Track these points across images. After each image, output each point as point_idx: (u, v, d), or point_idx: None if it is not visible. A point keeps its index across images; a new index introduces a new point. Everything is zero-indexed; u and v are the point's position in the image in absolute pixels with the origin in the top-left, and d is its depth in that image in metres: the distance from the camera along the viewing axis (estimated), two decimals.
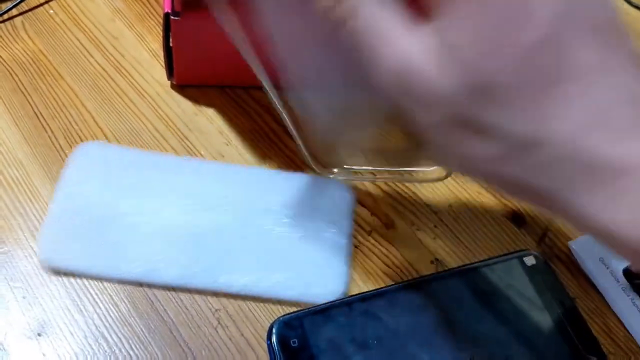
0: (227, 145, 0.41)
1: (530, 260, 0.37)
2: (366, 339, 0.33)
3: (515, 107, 0.21)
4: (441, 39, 0.21)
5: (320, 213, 0.37)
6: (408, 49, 0.22)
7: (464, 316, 0.34)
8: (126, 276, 0.34)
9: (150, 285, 0.34)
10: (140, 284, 0.34)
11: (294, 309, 0.34)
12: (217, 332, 0.33)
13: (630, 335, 0.36)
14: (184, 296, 0.34)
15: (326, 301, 0.34)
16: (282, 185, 0.38)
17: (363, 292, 0.35)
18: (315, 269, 0.35)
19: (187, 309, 0.34)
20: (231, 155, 0.40)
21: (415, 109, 0.23)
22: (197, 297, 0.34)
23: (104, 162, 0.37)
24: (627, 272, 0.38)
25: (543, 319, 0.35)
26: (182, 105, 0.42)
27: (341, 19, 0.22)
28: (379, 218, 0.39)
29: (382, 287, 0.35)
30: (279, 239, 0.36)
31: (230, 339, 0.33)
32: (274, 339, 0.32)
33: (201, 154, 0.40)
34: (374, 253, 0.38)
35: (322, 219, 0.37)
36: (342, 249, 0.36)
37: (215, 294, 0.35)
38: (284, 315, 0.33)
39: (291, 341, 0.32)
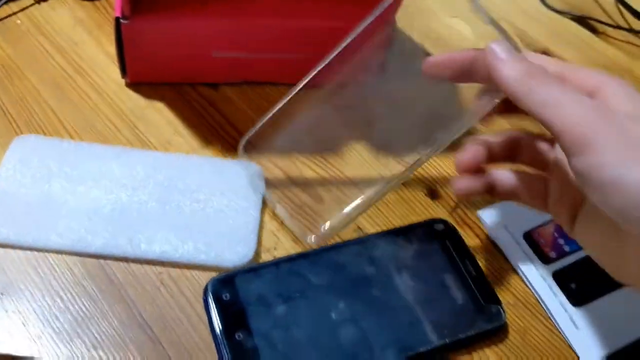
0: (175, 134, 0.46)
1: (439, 227, 0.42)
2: (290, 292, 0.38)
3: None
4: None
5: (234, 191, 0.42)
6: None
7: (379, 273, 0.39)
8: (56, 246, 0.38)
9: (81, 255, 0.39)
10: (96, 256, 0.39)
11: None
12: (160, 291, 0.38)
13: (529, 289, 0.42)
14: (132, 262, 0.39)
15: (236, 265, 0.39)
16: (200, 168, 0.43)
17: (289, 255, 0.40)
18: (227, 237, 0.40)
19: (134, 272, 0.39)
20: (178, 143, 0.45)
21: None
22: (144, 263, 0.39)
23: (39, 152, 0.42)
24: (526, 236, 0.43)
25: (449, 275, 0.40)
26: (134, 100, 0.47)
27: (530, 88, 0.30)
28: (308, 194, 0.44)
29: (307, 250, 0.40)
30: (194, 213, 0.41)
31: (172, 297, 0.38)
32: (209, 294, 0.37)
33: (151, 143, 0.45)
34: (304, 224, 0.43)
35: (236, 195, 0.42)
36: (252, 220, 0.41)
37: (162, 263, 0.39)
38: (218, 275, 0.38)
39: (223, 295, 0.37)
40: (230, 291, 0.37)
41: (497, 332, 0.39)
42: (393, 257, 0.40)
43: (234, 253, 0.40)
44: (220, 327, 0.36)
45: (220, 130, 0.47)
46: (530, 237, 0.43)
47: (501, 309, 0.39)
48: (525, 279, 0.42)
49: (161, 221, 0.40)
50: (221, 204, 0.42)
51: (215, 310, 0.36)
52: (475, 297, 0.39)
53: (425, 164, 0.47)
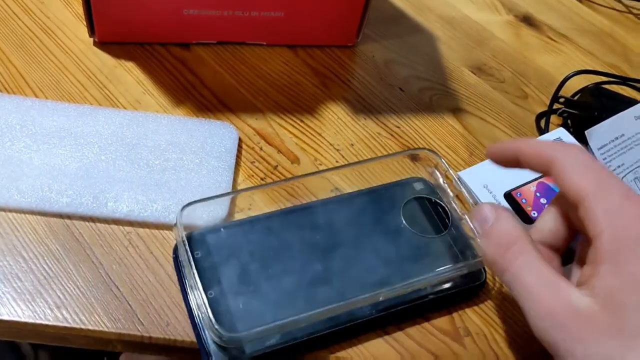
0: (145, 94, 0.44)
1: (418, 186, 0.41)
2: (264, 249, 0.36)
3: None
4: (607, 291, 0.27)
5: (207, 150, 0.41)
6: (568, 298, 0.27)
7: (356, 230, 0.38)
8: (18, 205, 0.37)
9: (45, 214, 0.37)
10: (61, 215, 0.37)
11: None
12: (128, 250, 0.37)
13: None
14: (98, 222, 0.37)
15: (208, 224, 0.37)
16: (171, 127, 0.42)
17: (264, 212, 0.38)
18: (198, 197, 0.37)
19: (101, 232, 0.37)
20: (147, 102, 0.44)
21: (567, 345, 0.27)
22: (112, 224, 0.38)
23: (1, 109, 0.41)
24: (507, 196, 0.42)
25: (428, 233, 0.39)
26: (103, 59, 0.45)
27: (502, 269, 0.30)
28: (284, 155, 0.43)
29: (283, 208, 0.39)
30: (164, 172, 0.39)
31: (140, 256, 0.36)
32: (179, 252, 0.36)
33: (119, 102, 0.43)
34: (278, 185, 0.41)
35: (208, 155, 0.41)
36: (225, 180, 0.40)
37: (130, 222, 0.38)
38: (187, 233, 0.36)
39: (194, 253, 0.35)
40: (201, 249, 0.36)
41: (477, 292, 0.38)
42: (370, 214, 0.39)
43: (206, 212, 0.38)
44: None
45: (192, 90, 0.45)
46: (511, 197, 0.42)
47: (482, 268, 0.38)
48: None
49: (129, 180, 0.39)
50: (193, 163, 0.40)
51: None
52: (455, 255, 0.38)
53: (405, 125, 0.46)
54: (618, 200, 0.28)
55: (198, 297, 0.33)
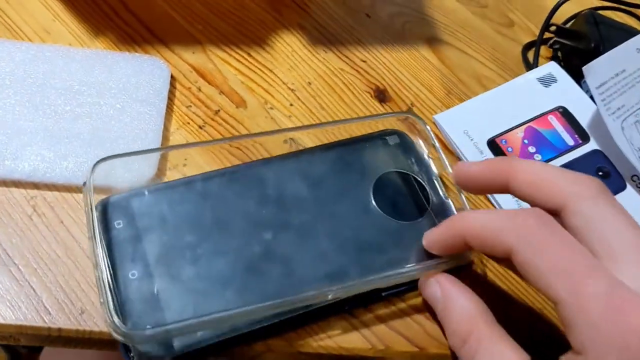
0: (55, 21, 0.36)
1: (393, 140, 0.34)
2: (202, 218, 0.30)
3: None
4: None
5: (130, 92, 0.33)
6: None
7: (315, 195, 0.31)
8: None
9: None
10: None
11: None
12: (32, 220, 0.30)
13: (494, 206, 0.35)
14: None
15: (134, 186, 0.30)
16: (86, 64, 0.34)
17: (203, 173, 0.32)
18: (119, 151, 0.30)
19: None
20: (58, 32, 0.36)
21: None
22: (12, 187, 0.30)
23: None
24: (490, 143, 0.36)
25: (406, 200, 0.32)
26: None
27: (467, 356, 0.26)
28: (227, 96, 0.36)
29: (224, 168, 0.32)
30: (77, 120, 0.32)
31: (47, 227, 0.30)
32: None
33: (23, 32, 0.35)
34: (220, 133, 0.34)
35: (132, 98, 0.33)
36: (153, 129, 0.33)
37: (35, 184, 0.31)
38: (108, 197, 0.29)
39: (115, 223, 0.29)
40: (124, 217, 0.29)
41: (460, 271, 0.32)
42: (334, 176, 0.32)
43: (130, 171, 0.31)
44: (110, 263, 0.28)
45: (114, 17, 0.37)
46: (495, 144, 0.36)
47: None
48: (490, 195, 0.35)
49: (32, 131, 0.31)
50: (113, 109, 0.33)
51: (104, 241, 0.28)
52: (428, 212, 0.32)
53: (372, 59, 0.39)
54: (601, 309, 0.23)
55: (102, 279, 0.26)
